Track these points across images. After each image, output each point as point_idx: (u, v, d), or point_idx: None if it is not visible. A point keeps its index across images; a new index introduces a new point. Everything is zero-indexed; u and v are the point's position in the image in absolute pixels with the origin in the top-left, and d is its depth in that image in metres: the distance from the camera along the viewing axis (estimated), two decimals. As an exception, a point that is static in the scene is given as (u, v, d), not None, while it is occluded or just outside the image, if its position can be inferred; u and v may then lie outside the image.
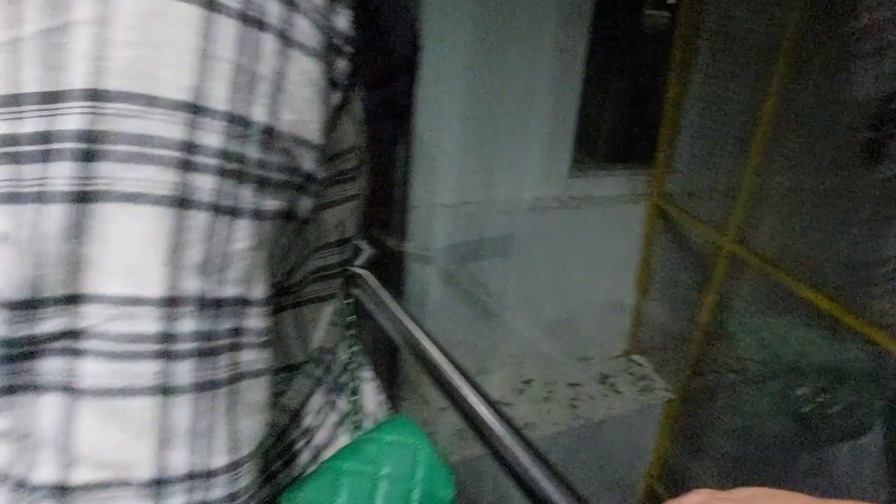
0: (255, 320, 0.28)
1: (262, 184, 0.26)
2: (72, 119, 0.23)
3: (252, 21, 0.25)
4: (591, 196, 1.83)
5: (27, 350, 0.23)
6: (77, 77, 0.22)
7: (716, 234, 1.66)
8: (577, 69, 1.66)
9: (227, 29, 0.24)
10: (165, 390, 0.25)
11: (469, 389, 0.56)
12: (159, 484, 0.25)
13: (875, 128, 1.40)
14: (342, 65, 0.30)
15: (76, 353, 0.24)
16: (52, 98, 0.22)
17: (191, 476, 0.26)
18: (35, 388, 0.24)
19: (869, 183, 1.46)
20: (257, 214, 0.26)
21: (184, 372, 0.25)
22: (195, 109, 0.24)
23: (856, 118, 1.43)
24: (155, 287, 0.24)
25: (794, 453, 1.67)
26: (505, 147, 1.66)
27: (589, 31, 1.64)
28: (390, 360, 1.50)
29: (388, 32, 0.38)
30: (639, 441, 1.95)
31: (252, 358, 0.28)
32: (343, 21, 0.29)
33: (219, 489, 0.26)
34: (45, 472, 0.24)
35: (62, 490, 0.24)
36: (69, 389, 0.24)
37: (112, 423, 0.24)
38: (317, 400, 0.41)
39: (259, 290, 0.28)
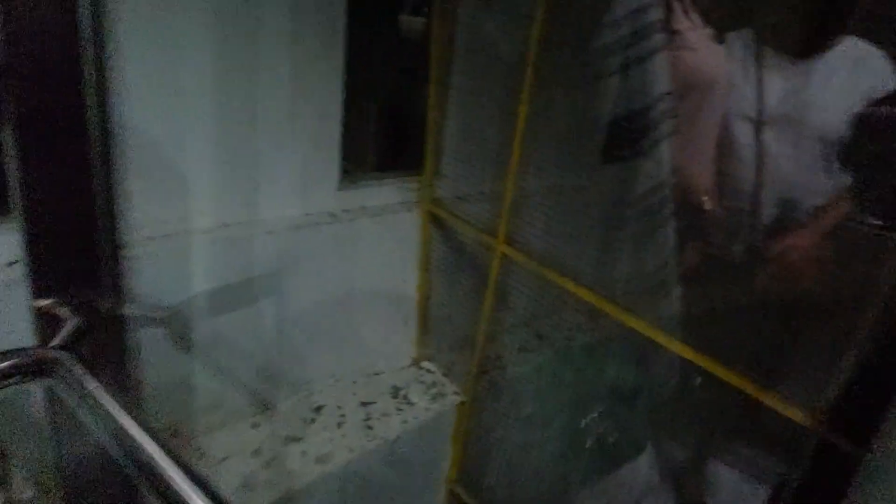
0: None
1: None
2: None
3: None
4: (364, 207, 1.76)
5: None
6: None
7: (487, 236, 1.70)
8: (336, 77, 1.57)
9: None
10: None
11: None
12: None
13: (614, 132, 1.53)
14: None
15: None
16: None
17: None
18: None
19: (608, 179, 1.61)
20: None
21: None
22: None
23: (596, 124, 1.57)
24: None
25: (579, 441, 1.80)
26: (267, 162, 1.51)
27: (345, 37, 1.57)
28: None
29: None
30: (438, 448, 1.95)
31: None
32: None
33: None
34: None
35: None
36: None
37: None
38: None
39: None
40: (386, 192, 1.83)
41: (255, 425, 1.67)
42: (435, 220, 1.86)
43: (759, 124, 1.30)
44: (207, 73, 1.33)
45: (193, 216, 1.42)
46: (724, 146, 1.31)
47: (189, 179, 1.38)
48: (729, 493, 1.48)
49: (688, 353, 1.29)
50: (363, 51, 1.80)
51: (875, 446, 0.88)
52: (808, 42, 1.30)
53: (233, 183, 1.47)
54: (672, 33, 1.14)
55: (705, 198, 1.30)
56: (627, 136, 1.36)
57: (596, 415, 1.80)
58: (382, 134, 1.98)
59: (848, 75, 1.28)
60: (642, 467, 1.70)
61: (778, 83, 1.31)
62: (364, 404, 1.79)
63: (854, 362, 1.03)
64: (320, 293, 1.69)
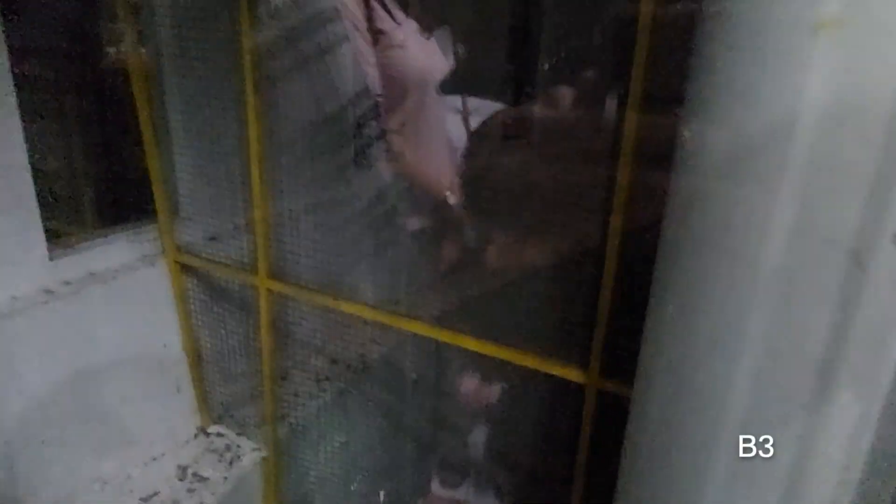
0: None
1: None
2: None
3: None
4: (93, 273, 1.49)
5: None
6: None
7: (248, 275, 1.55)
8: (11, 127, 1.29)
9: None
10: None
11: None
12: None
13: (357, 139, 1.50)
14: None
15: None
16: None
17: None
18: None
19: (356, 187, 1.57)
20: None
21: None
22: None
23: (340, 136, 1.52)
24: None
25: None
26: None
27: (21, 80, 1.29)
28: None
29: None
30: (248, 516, 1.74)
31: None
32: None
33: None
34: None
35: None
36: None
37: None
38: None
39: None
40: (117, 250, 1.56)
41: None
42: (186, 270, 1.65)
43: (465, 117, 1.39)
44: None
45: None
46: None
47: None
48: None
49: (470, 344, 1.31)
50: (56, 94, 1.52)
51: (637, 384, 0.95)
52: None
53: None
54: (377, 34, 1.12)
55: (448, 192, 1.32)
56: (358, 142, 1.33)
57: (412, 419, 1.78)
58: (96, 182, 1.70)
59: None
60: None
61: None
62: (144, 500, 1.52)
63: (608, 310, 1.11)
64: (54, 391, 1.39)
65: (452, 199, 1.31)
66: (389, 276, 1.57)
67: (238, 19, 1.33)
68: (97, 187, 1.71)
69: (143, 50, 1.53)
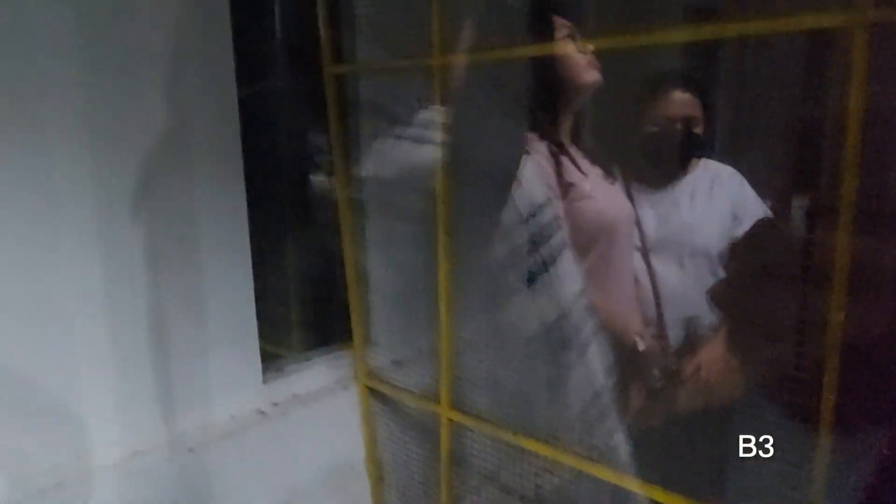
0: None
1: None
2: None
3: None
4: (296, 395, 1.64)
5: None
6: None
7: (431, 404, 1.59)
8: (244, 261, 1.51)
9: None
10: None
11: None
12: None
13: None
14: None
15: None
16: None
17: None
18: None
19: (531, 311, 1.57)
20: None
21: None
22: None
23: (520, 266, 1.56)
24: None
25: None
26: (182, 371, 1.38)
27: (249, 218, 1.52)
28: None
29: None
30: None
31: None
32: None
33: None
34: None
35: None
36: None
37: None
38: None
39: None
40: (317, 374, 1.71)
41: None
42: (375, 395, 1.75)
43: (644, 252, 1.39)
44: (98, 293, 1.24)
45: (95, 450, 1.25)
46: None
47: (85, 412, 1.23)
48: None
49: (658, 496, 1.20)
50: (269, 225, 1.76)
51: None
52: (664, 172, 1.46)
53: (141, 401, 1.33)
54: (566, 187, 1.16)
55: (638, 338, 1.28)
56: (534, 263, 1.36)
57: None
58: (302, 309, 1.90)
59: (707, 193, 1.42)
60: None
61: (650, 212, 1.44)
62: None
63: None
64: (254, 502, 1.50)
65: (642, 346, 1.27)
66: (572, 413, 1.51)
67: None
68: (304, 312, 1.91)
69: (351, 187, 1.74)
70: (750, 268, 1.43)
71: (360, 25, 1.72)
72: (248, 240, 1.50)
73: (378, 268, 1.79)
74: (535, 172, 1.14)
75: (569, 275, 1.15)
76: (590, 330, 1.20)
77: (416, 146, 1.25)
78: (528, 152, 1.15)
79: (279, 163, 1.89)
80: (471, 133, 1.18)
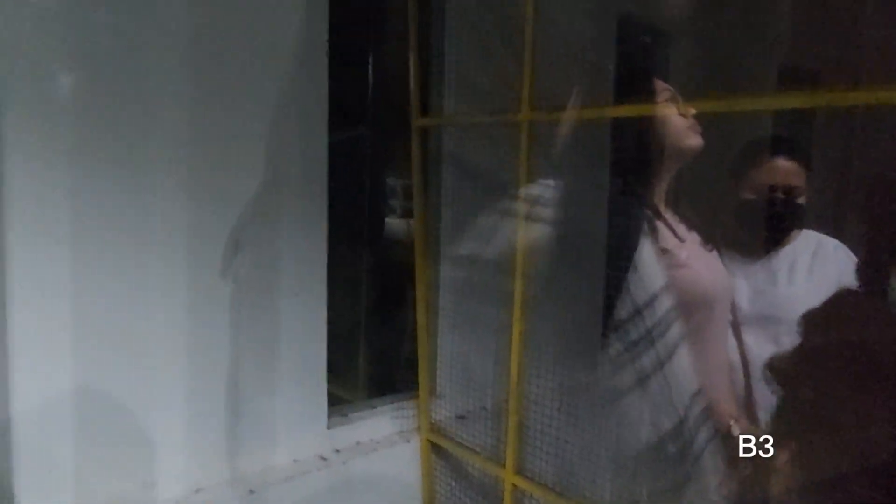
0: None
1: None
2: None
3: None
4: (358, 443, 1.61)
5: None
6: None
7: (494, 465, 1.53)
8: (319, 305, 1.52)
9: None
10: None
11: None
12: None
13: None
14: None
15: None
16: None
17: None
18: None
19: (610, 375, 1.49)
20: None
21: None
22: None
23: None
24: None
25: None
26: (249, 409, 1.40)
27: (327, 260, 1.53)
28: None
29: None
30: None
31: None
32: None
33: None
34: None
35: None
36: None
37: None
38: None
39: None
40: (380, 423, 1.69)
41: None
42: (437, 450, 1.70)
43: (736, 326, 1.30)
44: (181, 327, 1.27)
45: (159, 485, 1.26)
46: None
47: (154, 443, 1.25)
48: None
49: None
50: (344, 270, 1.77)
51: None
52: (763, 242, 1.39)
53: (208, 438, 1.34)
54: (662, 253, 1.11)
55: (732, 422, 1.18)
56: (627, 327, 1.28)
57: None
58: (370, 354, 1.90)
59: (808, 266, 1.33)
60: None
61: (743, 284, 1.36)
62: None
63: None
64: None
65: (737, 430, 1.17)
66: (652, 489, 1.41)
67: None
68: (371, 358, 1.90)
69: (429, 240, 1.74)
70: (824, 341, 1.32)
71: (449, 79, 1.76)
72: (325, 283, 1.52)
73: (449, 319, 1.77)
74: (652, 257, 1.09)
75: (686, 374, 1.08)
76: (706, 436, 1.12)
77: (516, 222, 1.25)
78: (647, 233, 1.11)
79: (359, 209, 1.93)
80: (576, 206, 1.16)
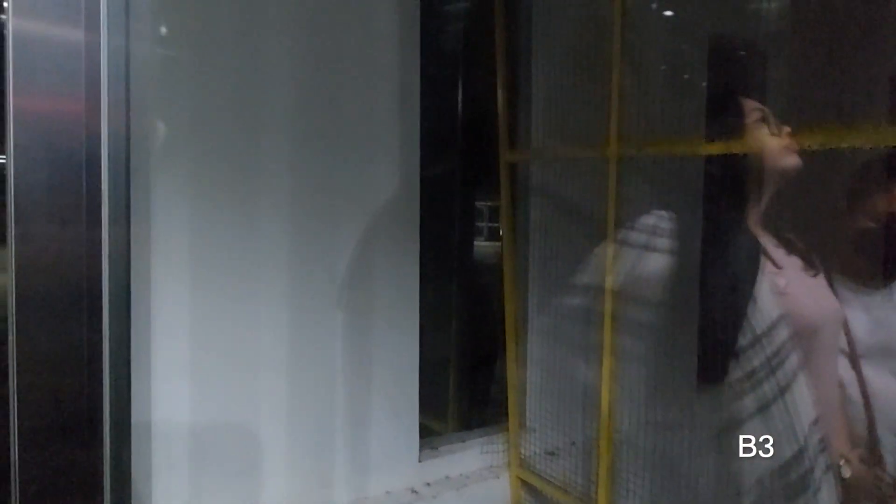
0: None
1: None
2: None
3: None
4: (448, 477, 1.62)
5: None
6: None
7: (586, 506, 1.48)
8: (412, 333, 1.55)
9: None
10: None
11: None
12: None
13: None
14: None
15: None
16: None
17: None
18: None
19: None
20: None
21: None
22: None
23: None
24: None
25: None
26: (343, 439, 1.44)
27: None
28: None
29: None
30: None
31: None
32: None
33: None
34: None
35: None
36: None
37: None
38: None
39: None
40: (469, 457, 1.68)
41: None
42: (526, 487, 1.67)
43: (853, 359, 1.18)
44: (285, 361, 1.34)
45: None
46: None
47: (258, 467, 1.32)
48: None
49: None
50: (435, 303, 1.80)
51: None
52: (884, 271, 1.27)
53: (307, 465, 1.40)
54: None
55: (843, 461, 1.08)
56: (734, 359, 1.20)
57: None
58: (460, 388, 1.91)
59: None
60: None
61: (861, 314, 1.24)
62: None
63: None
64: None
65: (847, 472, 1.07)
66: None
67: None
68: (462, 391, 1.91)
69: (518, 271, 1.74)
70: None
71: (536, 114, 1.77)
72: (417, 316, 1.56)
73: (539, 353, 1.75)
74: (769, 290, 1.04)
75: (805, 401, 1.01)
76: (823, 466, 1.04)
77: (607, 255, 1.24)
78: (766, 267, 1.06)
79: (448, 241, 1.96)
80: (669, 237, 1.13)
